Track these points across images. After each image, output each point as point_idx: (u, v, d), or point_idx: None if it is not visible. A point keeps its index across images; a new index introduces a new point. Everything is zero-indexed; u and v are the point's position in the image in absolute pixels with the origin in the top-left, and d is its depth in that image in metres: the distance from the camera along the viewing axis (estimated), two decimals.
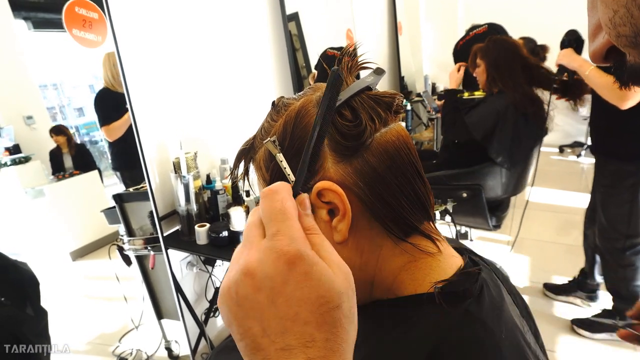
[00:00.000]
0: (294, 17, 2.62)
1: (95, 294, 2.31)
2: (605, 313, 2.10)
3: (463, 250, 0.53)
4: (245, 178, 0.54)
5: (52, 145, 1.92)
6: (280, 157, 0.46)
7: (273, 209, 0.36)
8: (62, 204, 2.04)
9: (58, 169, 1.94)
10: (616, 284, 2.04)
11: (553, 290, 2.39)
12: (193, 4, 1.88)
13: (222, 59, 2.06)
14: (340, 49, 2.96)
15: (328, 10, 3.13)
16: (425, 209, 0.49)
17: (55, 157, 1.93)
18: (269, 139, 0.47)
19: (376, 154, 0.45)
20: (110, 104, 1.85)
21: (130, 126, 1.55)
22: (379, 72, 0.48)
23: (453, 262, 0.49)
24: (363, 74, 0.49)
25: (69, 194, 2.05)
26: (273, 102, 0.52)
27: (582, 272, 2.32)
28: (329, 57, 2.78)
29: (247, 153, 0.53)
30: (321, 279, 0.33)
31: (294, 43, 2.54)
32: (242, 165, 0.54)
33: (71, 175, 1.98)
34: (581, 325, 2.11)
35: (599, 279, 2.24)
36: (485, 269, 0.50)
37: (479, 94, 3.48)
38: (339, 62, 0.48)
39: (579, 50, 1.93)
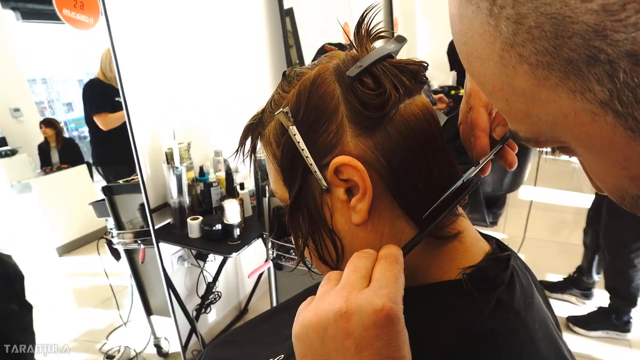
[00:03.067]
0: (289, 12, 2.56)
1: (82, 289, 2.25)
2: (600, 311, 2.10)
3: (489, 236, 0.49)
4: (253, 156, 0.50)
5: (40, 139, 1.87)
6: (293, 129, 0.42)
7: (391, 272, 0.37)
8: (49, 198, 1.98)
9: (46, 163, 1.89)
10: (617, 284, 2.04)
11: (548, 287, 2.38)
12: None
13: (217, 50, 2.01)
14: (338, 44, 2.88)
15: (324, 6, 3.08)
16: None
17: (43, 151, 1.88)
18: (281, 109, 0.42)
19: (400, 126, 0.41)
20: (102, 93, 1.81)
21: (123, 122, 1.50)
22: (400, 39, 0.44)
23: (480, 246, 0.45)
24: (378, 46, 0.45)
25: (57, 188, 2.00)
26: (284, 73, 0.48)
27: (578, 269, 2.31)
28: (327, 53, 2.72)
29: (254, 128, 0.49)
30: (405, 342, 0.34)
31: (288, 40, 2.49)
32: (249, 142, 0.50)
33: (59, 169, 1.93)
34: (577, 323, 2.11)
35: (596, 277, 2.24)
36: (513, 255, 0.47)
37: None
38: (359, 26, 0.43)
39: None
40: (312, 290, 0.72)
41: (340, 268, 0.46)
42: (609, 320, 2.05)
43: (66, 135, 2.01)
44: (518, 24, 0.22)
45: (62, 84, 2.02)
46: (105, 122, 1.84)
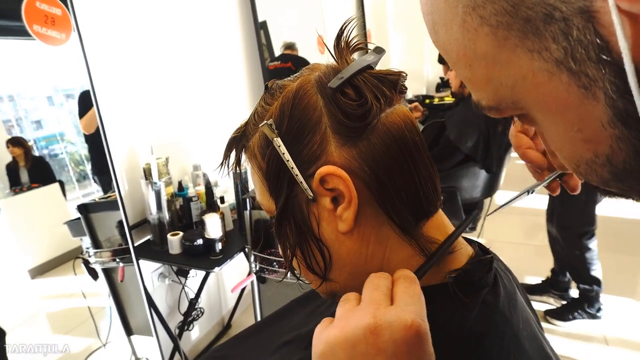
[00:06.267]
0: (263, 25, 2.56)
1: (58, 312, 2.17)
2: (574, 302, 2.21)
3: (471, 240, 0.51)
4: (237, 168, 0.50)
5: (8, 158, 1.81)
6: (278, 141, 0.42)
7: (414, 290, 0.37)
8: (20, 219, 1.91)
9: (15, 183, 1.84)
10: (578, 268, 2.16)
11: (526, 290, 2.44)
12: (163, 3, 1.82)
13: (193, 64, 2.01)
14: (281, 57, 2.79)
15: (298, 19, 3.10)
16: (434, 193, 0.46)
17: (11, 171, 1.83)
18: (265, 122, 0.43)
19: (382, 135, 0.42)
20: (88, 101, 1.77)
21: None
22: (378, 51, 0.46)
23: (464, 250, 0.46)
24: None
25: (28, 208, 1.93)
26: (266, 86, 0.48)
27: (552, 271, 2.38)
28: (271, 72, 2.56)
29: (239, 141, 0.49)
30: (432, 357, 0.34)
31: (264, 53, 2.48)
32: (233, 155, 0.50)
33: (29, 188, 1.87)
34: (552, 315, 2.20)
35: (568, 274, 2.31)
36: (495, 257, 0.48)
37: (448, 100, 3.55)
38: (338, 38, 0.45)
39: None
40: (299, 302, 0.72)
41: (328, 277, 0.46)
42: (582, 309, 2.16)
43: (36, 153, 1.96)
44: None
45: (29, 101, 1.97)
46: (84, 124, 1.78)
